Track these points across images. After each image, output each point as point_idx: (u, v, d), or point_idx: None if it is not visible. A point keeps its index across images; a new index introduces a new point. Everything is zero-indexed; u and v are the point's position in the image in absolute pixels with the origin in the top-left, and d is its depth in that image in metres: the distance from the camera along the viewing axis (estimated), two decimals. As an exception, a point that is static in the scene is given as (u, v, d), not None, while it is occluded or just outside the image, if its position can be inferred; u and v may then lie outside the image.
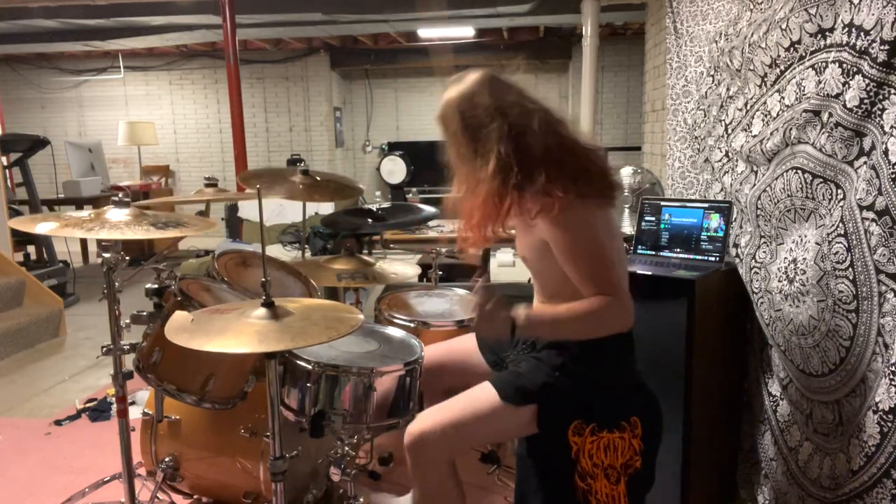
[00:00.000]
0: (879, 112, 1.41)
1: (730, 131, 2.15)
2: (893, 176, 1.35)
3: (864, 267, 1.44)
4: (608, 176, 1.49)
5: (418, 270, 2.63)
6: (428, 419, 1.53)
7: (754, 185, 1.97)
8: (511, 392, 1.49)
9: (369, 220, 2.85)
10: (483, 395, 1.52)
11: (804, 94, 1.70)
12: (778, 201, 1.82)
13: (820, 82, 1.62)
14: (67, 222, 1.73)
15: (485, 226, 1.48)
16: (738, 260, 2.09)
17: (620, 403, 1.50)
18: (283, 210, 4.92)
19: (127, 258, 1.87)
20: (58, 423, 3.07)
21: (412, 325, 2.21)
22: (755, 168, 1.98)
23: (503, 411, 1.49)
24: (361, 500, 1.88)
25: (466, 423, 1.50)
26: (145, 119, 8.54)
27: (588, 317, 1.37)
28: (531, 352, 1.58)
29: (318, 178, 2.46)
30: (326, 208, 4.91)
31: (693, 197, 2.52)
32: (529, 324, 1.40)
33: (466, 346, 1.80)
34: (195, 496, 2.22)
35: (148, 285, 1.90)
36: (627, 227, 3.42)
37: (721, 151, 2.23)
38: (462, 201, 1.50)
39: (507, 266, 6.40)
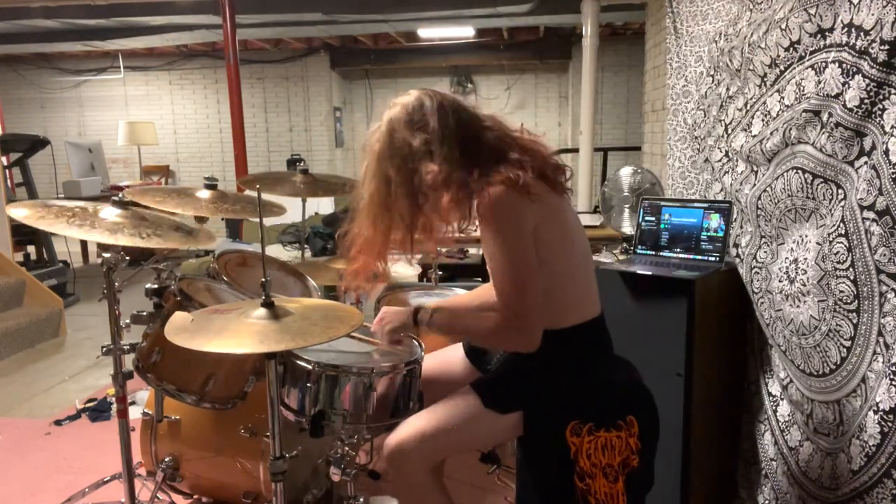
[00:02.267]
0: (880, 112, 1.41)
1: (730, 131, 2.15)
2: (894, 176, 1.35)
3: (865, 267, 1.44)
4: (550, 160, 1.46)
5: (418, 270, 2.63)
6: (407, 429, 1.51)
7: (754, 185, 1.97)
8: (494, 398, 1.48)
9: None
10: (465, 401, 1.50)
11: (804, 94, 1.70)
12: (778, 201, 1.81)
13: (820, 82, 1.61)
14: (60, 212, 1.72)
15: (386, 249, 1.50)
16: (738, 260, 2.08)
17: (617, 402, 1.49)
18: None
19: (127, 258, 1.87)
20: (58, 423, 3.07)
21: (412, 325, 2.21)
22: (755, 168, 1.98)
23: (486, 417, 1.47)
24: (361, 500, 1.88)
25: (447, 431, 1.47)
26: (145, 119, 8.54)
27: (485, 336, 1.47)
28: (509, 355, 1.58)
29: (318, 178, 2.46)
30: (326, 208, 4.91)
31: (693, 197, 2.52)
32: (430, 319, 1.50)
33: (454, 356, 1.80)
34: (195, 496, 2.22)
35: (148, 285, 1.90)
36: (627, 227, 3.42)
37: (721, 151, 2.23)
38: (367, 230, 1.49)
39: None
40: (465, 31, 7.44)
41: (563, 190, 1.47)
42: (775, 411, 1.90)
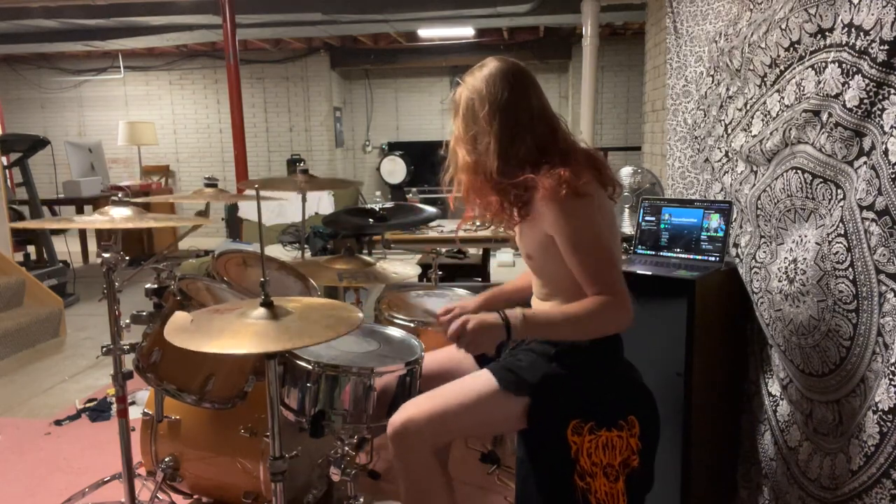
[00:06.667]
0: (879, 112, 1.41)
1: (729, 131, 2.15)
2: (893, 176, 1.35)
3: (864, 267, 1.44)
4: (610, 170, 1.52)
5: (418, 270, 2.63)
6: (413, 407, 1.50)
7: (754, 185, 1.97)
8: (509, 378, 1.49)
9: (370, 221, 2.85)
10: (478, 380, 1.51)
11: (804, 94, 1.70)
12: (778, 201, 1.82)
13: (819, 82, 1.62)
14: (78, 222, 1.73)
15: (489, 208, 1.52)
16: (738, 260, 2.09)
17: (618, 402, 1.50)
18: (283, 210, 4.91)
19: (127, 258, 1.87)
20: (58, 423, 3.07)
21: (412, 325, 2.22)
22: (755, 168, 1.98)
23: (496, 399, 1.48)
24: (361, 500, 1.88)
25: (454, 409, 1.48)
26: (145, 119, 8.54)
27: (587, 319, 1.38)
28: (523, 347, 1.58)
29: (318, 178, 2.47)
30: (326, 208, 4.91)
31: (693, 197, 2.52)
32: (526, 324, 1.39)
33: (460, 353, 1.80)
34: (195, 496, 2.22)
35: (148, 285, 1.90)
36: (627, 227, 3.42)
37: (721, 151, 2.23)
38: (469, 186, 1.54)
39: (507, 266, 6.40)
40: (465, 31, 7.45)
41: (613, 198, 1.53)
42: (775, 411, 1.90)
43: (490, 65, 1.52)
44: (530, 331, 1.42)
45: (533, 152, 1.45)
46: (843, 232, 1.51)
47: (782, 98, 1.82)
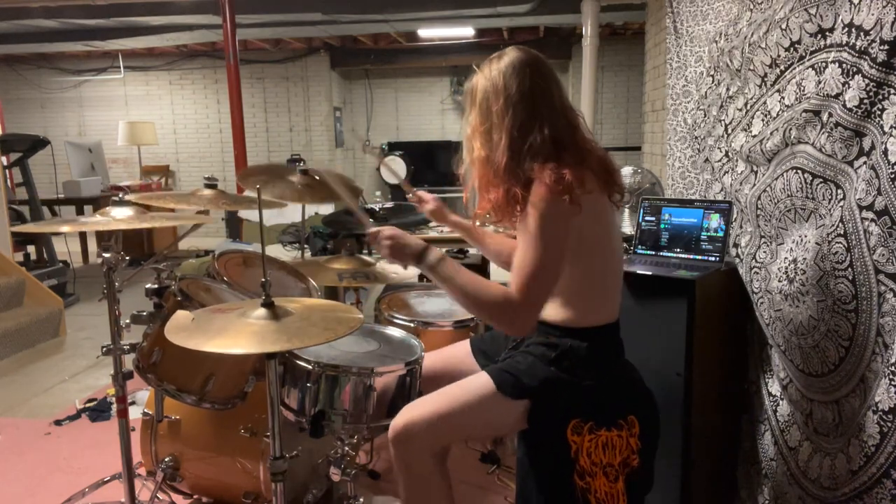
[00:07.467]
0: (879, 112, 1.41)
1: (730, 131, 2.16)
2: (893, 176, 1.35)
3: (864, 267, 1.44)
4: (619, 177, 1.51)
5: (418, 270, 2.63)
6: (414, 410, 1.50)
7: (754, 185, 1.97)
8: (508, 382, 1.48)
9: (370, 221, 2.85)
10: (478, 384, 1.50)
11: (804, 94, 1.70)
12: (778, 201, 1.82)
13: (820, 82, 1.62)
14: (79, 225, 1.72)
15: (489, 195, 1.51)
16: (738, 260, 2.09)
17: (617, 402, 1.50)
18: (282, 210, 4.92)
19: (127, 258, 1.87)
20: (58, 423, 3.07)
21: (412, 325, 2.22)
22: (755, 168, 1.98)
23: (496, 402, 1.47)
24: (361, 500, 1.88)
25: (455, 413, 1.47)
26: (145, 119, 8.54)
27: (480, 303, 1.40)
28: (521, 348, 1.58)
29: (317, 178, 2.46)
30: (326, 208, 4.91)
31: (693, 197, 2.52)
32: (436, 266, 1.45)
33: (460, 353, 1.79)
34: (195, 496, 2.22)
35: (148, 285, 1.90)
36: (627, 227, 3.42)
37: (721, 151, 2.23)
38: (478, 174, 1.54)
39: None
40: (465, 31, 7.45)
41: (616, 203, 1.52)
42: (775, 411, 1.90)
43: (510, 55, 1.49)
44: (433, 272, 1.46)
45: (548, 145, 1.43)
46: (842, 232, 1.51)
47: (782, 98, 1.82)
